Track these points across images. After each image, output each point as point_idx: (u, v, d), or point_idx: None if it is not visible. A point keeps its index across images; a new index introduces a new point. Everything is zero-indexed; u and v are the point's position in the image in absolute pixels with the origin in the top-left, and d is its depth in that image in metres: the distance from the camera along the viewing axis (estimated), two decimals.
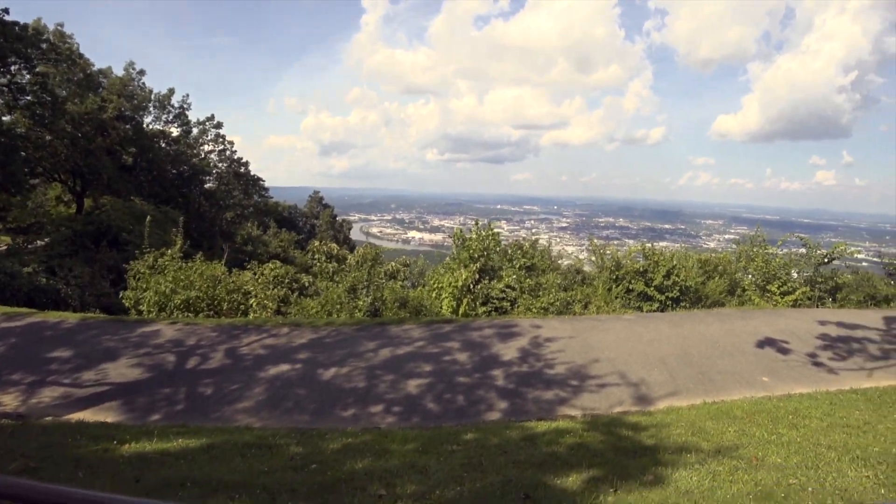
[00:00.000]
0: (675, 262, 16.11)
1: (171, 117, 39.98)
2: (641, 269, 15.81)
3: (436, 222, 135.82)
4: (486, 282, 15.73)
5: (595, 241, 18.88)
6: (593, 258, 18.40)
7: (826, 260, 17.88)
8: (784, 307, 15.99)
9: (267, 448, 6.05)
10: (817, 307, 16.63)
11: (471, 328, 11.97)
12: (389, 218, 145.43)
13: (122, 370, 9.77)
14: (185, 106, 40.46)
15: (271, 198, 49.73)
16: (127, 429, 7.25)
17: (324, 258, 25.34)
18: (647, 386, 8.91)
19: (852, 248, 20.83)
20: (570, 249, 20.89)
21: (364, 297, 15.68)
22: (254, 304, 15.11)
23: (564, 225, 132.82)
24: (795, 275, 17.72)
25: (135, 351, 10.61)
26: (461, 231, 18.03)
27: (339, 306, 15.64)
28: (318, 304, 16.26)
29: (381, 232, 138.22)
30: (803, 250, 18.38)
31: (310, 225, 51.78)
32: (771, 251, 17.63)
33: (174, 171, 39.79)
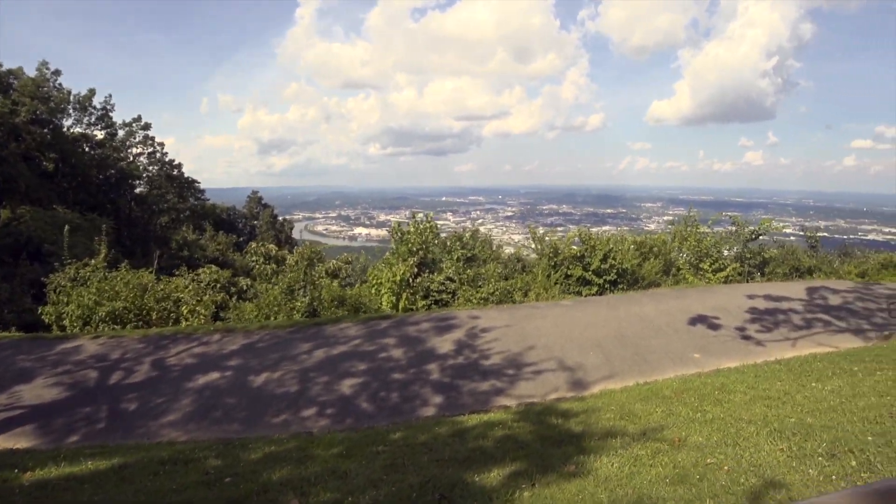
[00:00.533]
0: (611, 246, 16.32)
1: (93, 119, 37.79)
2: (579, 254, 15.93)
3: (382, 217, 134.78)
4: (427, 275, 15.55)
5: (533, 228, 18.90)
6: (533, 246, 18.45)
7: (753, 236, 18.51)
8: (716, 284, 16.44)
9: (183, 463, 5.68)
10: (747, 282, 17.18)
11: (408, 323, 11.76)
12: (334, 215, 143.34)
13: (37, 391, 9.11)
14: (108, 107, 38.36)
15: (208, 200, 48.10)
16: (35, 454, 6.73)
17: (262, 260, 24.59)
18: (583, 370, 8.91)
19: (780, 224, 21.67)
20: (516, 238, 20.93)
21: (301, 297, 15.25)
22: (185, 312, 14.44)
23: (510, 214, 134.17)
24: (727, 252, 18.28)
25: (53, 370, 9.94)
26: (399, 225, 17.77)
27: (276, 308, 15.16)
28: (255, 308, 15.74)
29: (326, 230, 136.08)
30: (733, 228, 19.01)
31: (250, 226, 50.32)
32: (702, 230, 18.11)
33: (100, 177, 37.76)
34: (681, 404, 6.05)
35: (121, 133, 39.65)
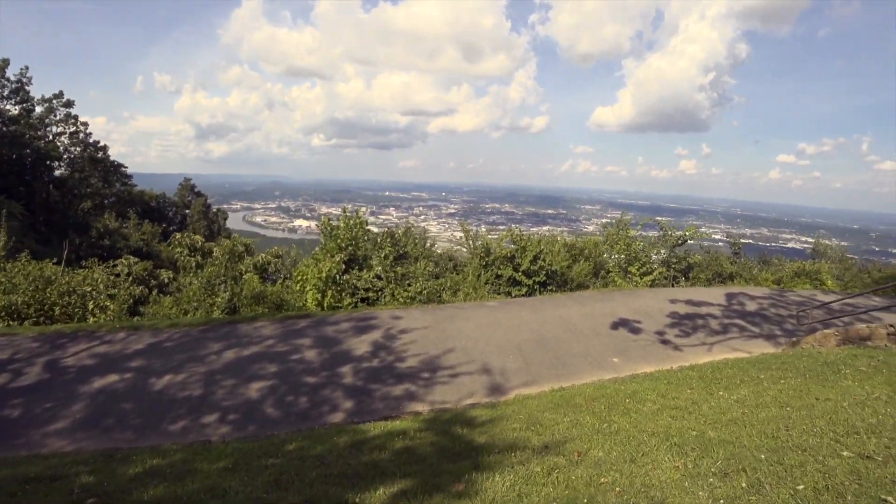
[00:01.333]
0: (542, 248, 16.32)
1: (6, 93, 34.86)
2: (509, 254, 15.84)
3: (323, 210, 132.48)
4: (355, 272, 15.10)
5: (466, 226, 18.72)
6: (468, 244, 18.26)
7: (680, 242, 18.96)
8: (643, 287, 16.71)
9: (49, 481, 5.06)
10: (672, 286, 17.57)
11: (328, 323, 11.29)
12: (274, 206, 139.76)
13: None
14: (24, 80, 35.41)
15: (135, 185, 45.70)
16: None
17: (186, 251, 23.45)
18: (501, 375, 8.71)
19: (706, 231, 22.35)
20: (458, 235, 20.61)
21: (222, 293, 14.51)
22: (92, 307, 13.44)
23: (453, 211, 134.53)
24: (655, 256, 18.65)
25: None
26: (328, 219, 17.20)
27: (195, 304, 14.38)
28: (172, 303, 14.89)
29: (265, 221, 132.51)
30: (661, 233, 19.42)
31: (181, 215, 48.12)
32: (632, 234, 18.37)
33: (13, 156, 34.97)
34: (589, 413, 5.89)
35: (39, 110, 36.74)
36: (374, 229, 19.32)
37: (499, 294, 15.48)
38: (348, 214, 16.78)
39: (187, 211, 48.63)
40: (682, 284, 17.94)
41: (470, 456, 4.80)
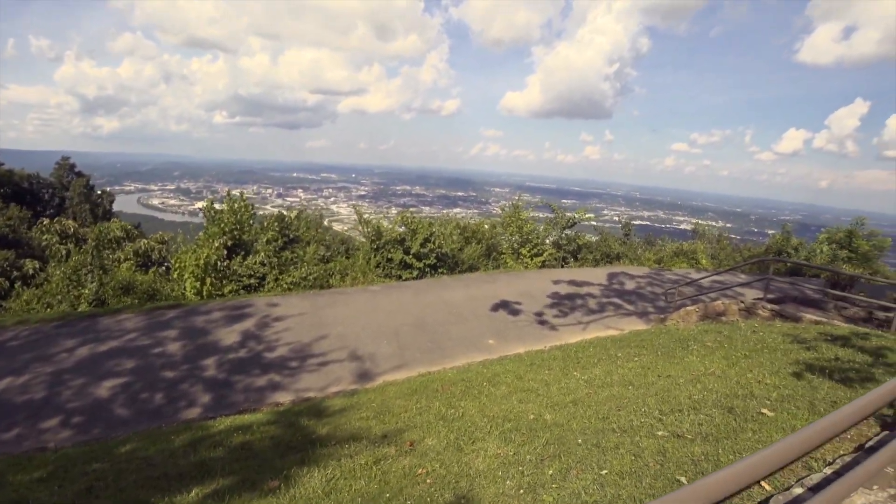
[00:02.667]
0: (433, 230, 16.28)
1: None
2: (399, 237, 15.66)
3: (227, 192, 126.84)
4: (239, 258, 14.41)
5: (359, 209, 18.34)
6: (360, 228, 17.89)
7: (570, 224, 19.53)
8: (533, 269, 17.07)
9: None
10: (562, 267, 18.08)
11: (199, 312, 10.66)
12: (173, 187, 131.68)
13: None
14: None
15: (1, 164, 41.42)
16: None
17: (56, 239, 21.64)
18: (372, 361, 8.51)
19: (612, 213, 23.25)
20: (369, 218, 20.10)
21: (89, 284, 13.40)
22: None
23: (363, 193, 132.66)
24: (548, 239, 19.11)
25: None
26: (212, 202, 16.31)
27: (59, 298, 13.20)
28: (34, 297, 13.63)
29: (163, 203, 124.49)
30: (553, 216, 19.92)
31: (59, 198, 44.11)
32: (523, 216, 18.68)
33: None
34: (442, 399, 5.82)
35: None
36: (283, 212, 18.63)
37: (390, 278, 15.31)
38: (233, 197, 15.99)
39: (67, 192, 44.70)
40: (571, 265, 18.50)
41: (304, 449, 4.59)
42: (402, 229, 16.00)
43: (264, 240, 14.62)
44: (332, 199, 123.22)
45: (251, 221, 15.78)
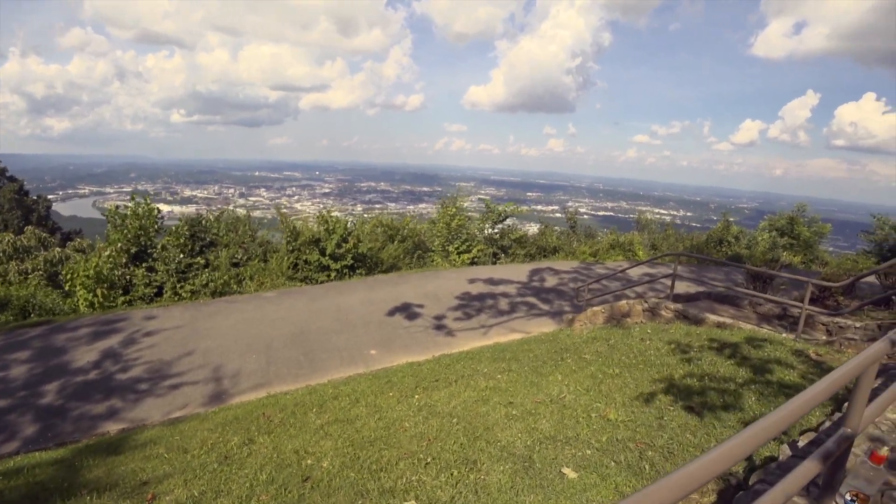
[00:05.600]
0: (352, 229, 15.56)
1: None
2: (314, 237, 14.88)
3: (187, 193, 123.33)
4: (140, 267, 13.50)
5: (279, 207, 17.48)
6: (282, 227, 17.03)
7: (501, 218, 18.96)
8: (462, 266, 16.46)
9: None
10: (493, 263, 17.49)
11: (66, 329, 9.72)
12: (130, 189, 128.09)
13: None
14: None
15: None
16: None
17: None
18: (233, 379, 7.72)
19: (576, 204, 22.79)
20: (335, 215, 19.24)
21: None
22: None
23: (327, 190, 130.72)
24: (481, 234, 18.48)
25: None
26: (115, 207, 15.29)
27: None
28: None
29: (120, 207, 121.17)
30: (486, 211, 19.30)
31: None
32: (451, 212, 18.02)
33: None
34: (245, 431, 5.04)
35: None
36: (243, 212, 17.71)
37: (304, 281, 14.55)
38: (137, 201, 15.04)
39: None
40: (502, 261, 17.92)
41: (48, 500, 3.89)
42: (319, 228, 15.22)
43: (160, 246, 13.69)
44: (296, 197, 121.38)
45: (156, 226, 14.86)
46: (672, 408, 4.43)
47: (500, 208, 19.14)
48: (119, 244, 13.56)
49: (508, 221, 19.59)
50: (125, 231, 14.20)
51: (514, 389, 5.48)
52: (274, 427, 5.12)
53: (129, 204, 14.98)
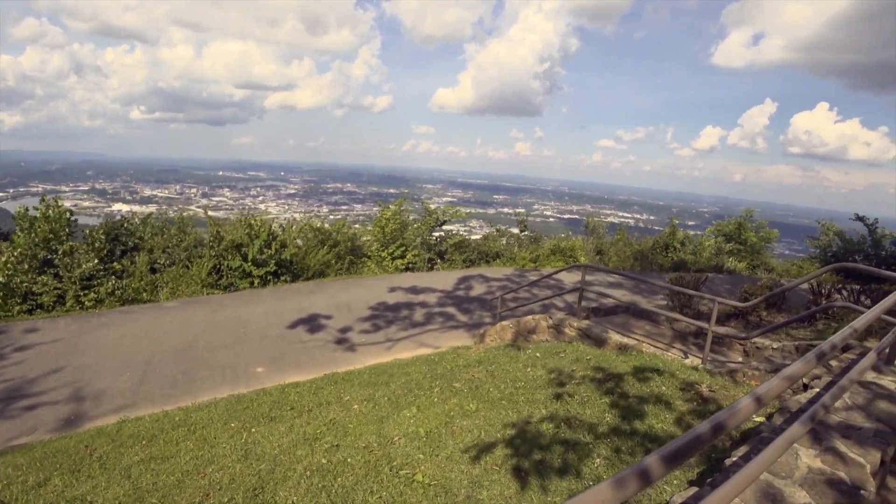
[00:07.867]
0: (277, 233, 15.00)
1: None
2: (235, 242, 14.26)
3: (147, 192, 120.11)
4: (48, 272, 12.74)
5: (206, 209, 16.76)
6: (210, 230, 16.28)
7: (438, 223, 18.55)
8: (394, 272, 16.02)
9: None
10: (430, 269, 17.07)
11: None
12: (87, 188, 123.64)
13: None
14: None
15: None
16: None
17: None
18: (95, 400, 7.12)
19: (542, 207, 22.51)
20: (298, 217, 18.59)
21: None
22: None
23: (293, 191, 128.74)
24: (417, 238, 18.00)
25: None
26: (25, 209, 14.42)
27: None
28: None
29: (76, 206, 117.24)
30: (424, 215, 18.86)
31: None
32: (387, 215, 17.54)
33: None
34: (53, 467, 4.53)
35: None
36: (211, 213, 16.85)
37: (226, 289, 13.93)
38: (47, 203, 14.24)
39: None
40: (439, 267, 17.51)
41: None
42: (240, 233, 14.58)
43: (61, 252, 12.93)
44: (261, 198, 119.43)
45: (66, 230, 14.06)
46: (498, 468, 3.97)
47: (437, 212, 18.74)
48: (20, 249, 12.78)
49: (448, 227, 19.22)
50: (33, 235, 13.45)
51: (356, 427, 5.06)
52: (84, 465, 4.62)
53: (39, 206, 14.16)
